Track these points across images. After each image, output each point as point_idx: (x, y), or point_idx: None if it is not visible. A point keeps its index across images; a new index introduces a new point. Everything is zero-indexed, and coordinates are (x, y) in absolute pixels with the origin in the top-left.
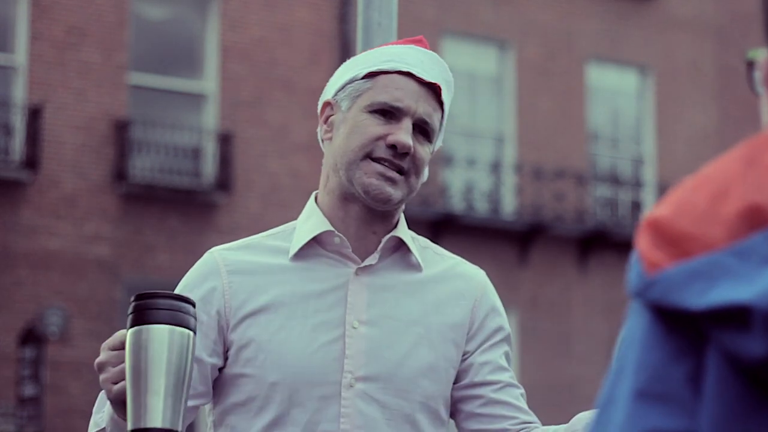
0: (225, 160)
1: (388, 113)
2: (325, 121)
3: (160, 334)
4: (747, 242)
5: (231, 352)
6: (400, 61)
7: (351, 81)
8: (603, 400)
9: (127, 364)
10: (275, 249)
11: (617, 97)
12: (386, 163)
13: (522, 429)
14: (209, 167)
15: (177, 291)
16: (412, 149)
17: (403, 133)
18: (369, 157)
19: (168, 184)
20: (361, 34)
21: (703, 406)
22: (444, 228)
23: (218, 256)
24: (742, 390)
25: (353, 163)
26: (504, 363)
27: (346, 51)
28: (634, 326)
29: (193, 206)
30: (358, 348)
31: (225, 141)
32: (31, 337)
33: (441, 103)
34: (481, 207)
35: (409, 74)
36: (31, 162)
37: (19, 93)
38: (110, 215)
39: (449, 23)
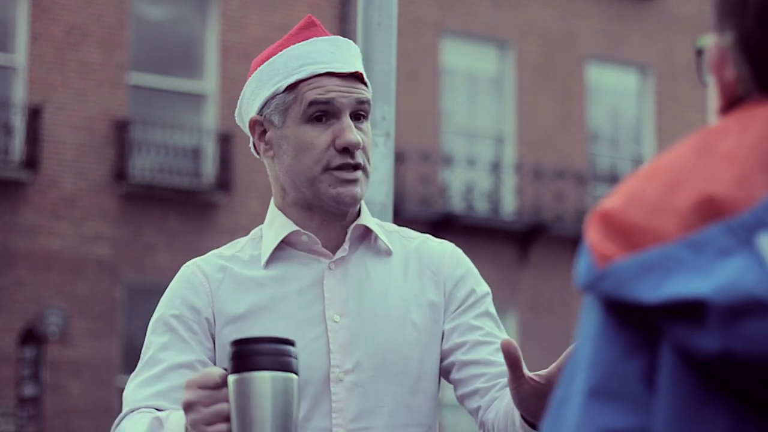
0: (225, 160)
1: (324, 115)
2: (261, 139)
3: (264, 381)
4: (702, 234)
5: (217, 358)
6: (313, 63)
7: (273, 96)
8: (558, 399)
9: (233, 412)
10: (247, 258)
11: (617, 97)
12: (344, 169)
13: (495, 384)
14: (209, 167)
15: (161, 305)
16: (361, 142)
17: (347, 133)
18: (327, 169)
19: (168, 184)
20: (361, 34)
21: (657, 402)
22: (444, 228)
23: (195, 267)
24: (695, 386)
25: (314, 179)
26: (475, 322)
27: None
28: (587, 322)
29: (193, 206)
30: (342, 341)
31: (225, 141)
32: (31, 337)
33: (366, 83)
34: (481, 207)
35: (328, 73)
36: (31, 162)
37: (19, 93)
38: (110, 215)
39: (449, 23)
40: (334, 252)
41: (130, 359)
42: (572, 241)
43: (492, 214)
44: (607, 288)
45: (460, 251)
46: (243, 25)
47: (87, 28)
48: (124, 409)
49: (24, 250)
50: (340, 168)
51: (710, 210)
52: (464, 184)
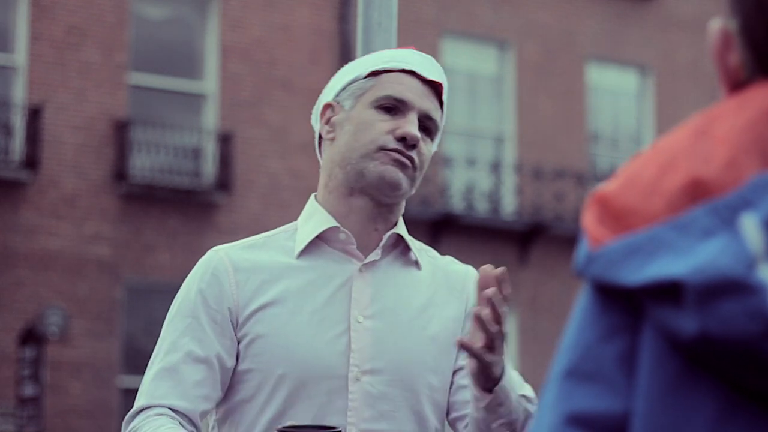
0: (225, 160)
1: (393, 108)
2: (327, 122)
3: None
4: (687, 216)
5: (240, 348)
6: (401, 61)
7: (353, 81)
8: (546, 381)
9: None
10: (280, 247)
11: (617, 97)
12: (399, 153)
13: None
14: (209, 167)
15: (182, 291)
16: (419, 142)
17: (410, 125)
18: (383, 149)
19: (168, 184)
20: (361, 34)
21: (637, 385)
22: (444, 228)
23: (223, 254)
24: (679, 369)
25: (366, 156)
26: None
27: (346, 51)
28: (578, 305)
29: (193, 206)
30: (363, 342)
31: (225, 141)
32: (31, 337)
33: (441, 103)
34: (481, 207)
35: (411, 72)
36: (31, 162)
37: (19, 93)
38: (110, 215)
39: (449, 23)
40: (365, 255)
41: (130, 359)
42: (572, 241)
43: (492, 214)
44: (595, 271)
45: None
46: (243, 25)
47: (87, 28)
48: (140, 400)
49: (24, 250)
50: (394, 151)
51: (698, 192)
52: (464, 184)
